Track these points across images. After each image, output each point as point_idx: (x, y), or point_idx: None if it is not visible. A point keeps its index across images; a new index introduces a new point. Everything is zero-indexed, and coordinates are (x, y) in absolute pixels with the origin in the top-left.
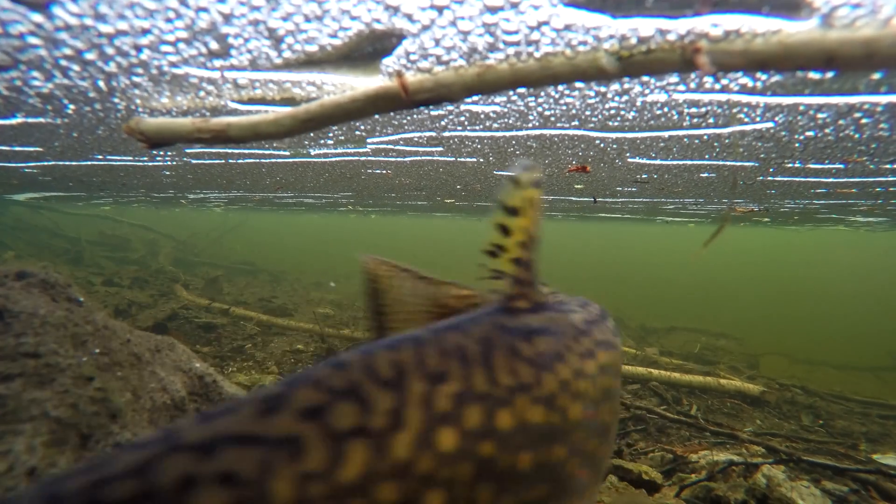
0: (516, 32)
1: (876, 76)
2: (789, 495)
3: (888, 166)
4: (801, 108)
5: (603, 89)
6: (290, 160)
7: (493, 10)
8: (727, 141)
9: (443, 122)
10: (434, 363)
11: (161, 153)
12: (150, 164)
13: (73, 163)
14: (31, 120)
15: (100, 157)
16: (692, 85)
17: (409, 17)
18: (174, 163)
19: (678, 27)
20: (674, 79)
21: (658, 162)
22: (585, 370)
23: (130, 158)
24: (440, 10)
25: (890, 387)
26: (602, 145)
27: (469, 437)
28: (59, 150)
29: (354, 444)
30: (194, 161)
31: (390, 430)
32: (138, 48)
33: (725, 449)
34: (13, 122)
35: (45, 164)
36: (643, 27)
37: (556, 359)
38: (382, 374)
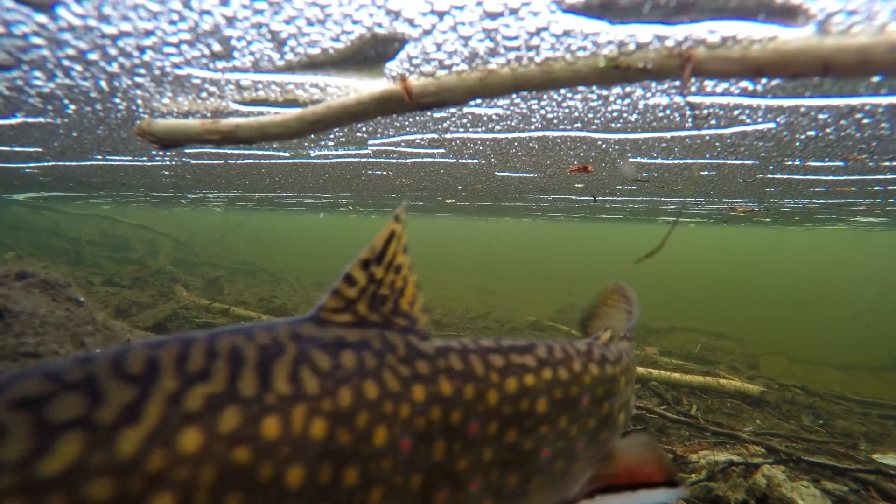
0: (516, 38)
1: (876, 78)
2: (789, 495)
3: (887, 164)
4: (802, 109)
5: (605, 93)
6: (290, 161)
7: (493, 15)
8: (729, 141)
9: (445, 125)
10: (197, 363)
11: (160, 153)
12: (150, 164)
13: (73, 163)
14: (30, 120)
15: (99, 157)
16: (693, 88)
17: (411, 22)
18: (173, 163)
19: (675, 33)
20: (676, 82)
21: (659, 161)
22: (411, 396)
23: (129, 158)
24: (441, 15)
25: (890, 387)
26: (604, 146)
27: (220, 440)
28: (59, 150)
29: (69, 437)
30: (193, 161)
31: (119, 425)
32: (141, 49)
33: (725, 449)
34: (13, 121)
35: (45, 164)
36: (641, 33)
37: (364, 376)
38: (131, 369)
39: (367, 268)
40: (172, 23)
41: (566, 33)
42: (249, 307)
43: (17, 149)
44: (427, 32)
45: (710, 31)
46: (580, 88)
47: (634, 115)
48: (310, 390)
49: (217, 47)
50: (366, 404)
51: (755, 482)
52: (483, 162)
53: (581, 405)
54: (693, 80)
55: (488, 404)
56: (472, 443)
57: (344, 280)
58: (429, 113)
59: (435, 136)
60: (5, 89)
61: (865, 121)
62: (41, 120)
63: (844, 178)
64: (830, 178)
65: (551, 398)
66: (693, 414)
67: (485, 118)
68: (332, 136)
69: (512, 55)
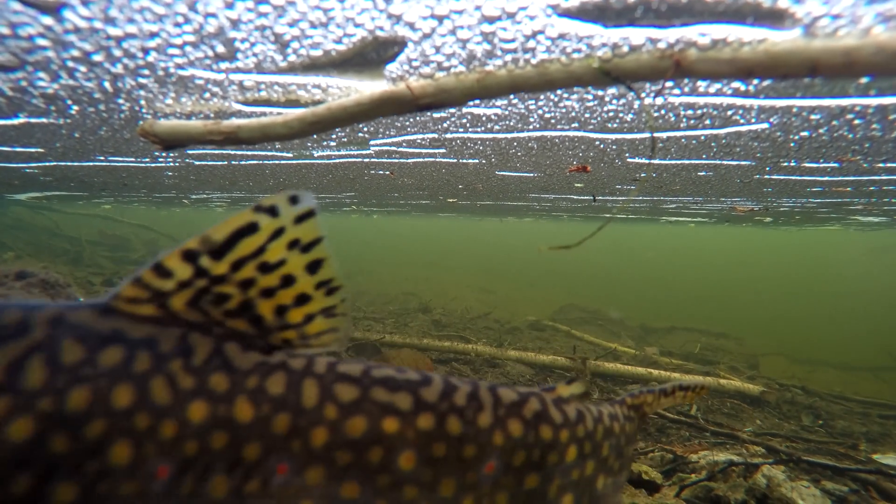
0: (513, 41)
1: (864, 80)
2: (789, 495)
3: (881, 165)
4: (795, 109)
5: (601, 93)
6: (294, 162)
7: (491, 19)
8: (724, 141)
9: (445, 125)
10: None
11: (164, 154)
12: (153, 165)
13: (75, 163)
14: (33, 120)
15: (101, 158)
16: (686, 89)
17: (411, 26)
18: (176, 164)
19: (668, 36)
20: (668, 83)
21: (656, 161)
22: (184, 413)
23: (132, 159)
24: (440, 19)
25: (890, 387)
26: (601, 146)
27: None
28: (61, 150)
29: None
30: (197, 162)
31: None
32: (146, 51)
33: (725, 449)
34: (15, 122)
35: (47, 164)
36: (634, 36)
37: (119, 378)
38: None
39: (194, 260)
40: (177, 25)
41: (561, 36)
42: None
43: (19, 149)
44: (427, 36)
45: (701, 34)
46: (576, 89)
47: (630, 115)
48: (28, 383)
49: (221, 49)
50: (106, 412)
51: (755, 482)
52: (483, 162)
53: (481, 471)
54: (686, 80)
55: (310, 444)
56: (278, 487)
57: (153, 269)
58: (428, 113)
59: (435, 136)
60: (9, 90)
61: (857, 122)
62: (44, 120)
63: (840, 178)
64: (826, 178)
65: (425, 453)
66: (693, 414)
67: (483, 118)
68: (334, 137)
69: (509, 57)
